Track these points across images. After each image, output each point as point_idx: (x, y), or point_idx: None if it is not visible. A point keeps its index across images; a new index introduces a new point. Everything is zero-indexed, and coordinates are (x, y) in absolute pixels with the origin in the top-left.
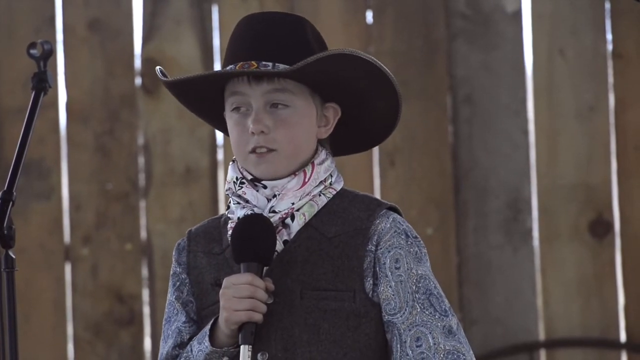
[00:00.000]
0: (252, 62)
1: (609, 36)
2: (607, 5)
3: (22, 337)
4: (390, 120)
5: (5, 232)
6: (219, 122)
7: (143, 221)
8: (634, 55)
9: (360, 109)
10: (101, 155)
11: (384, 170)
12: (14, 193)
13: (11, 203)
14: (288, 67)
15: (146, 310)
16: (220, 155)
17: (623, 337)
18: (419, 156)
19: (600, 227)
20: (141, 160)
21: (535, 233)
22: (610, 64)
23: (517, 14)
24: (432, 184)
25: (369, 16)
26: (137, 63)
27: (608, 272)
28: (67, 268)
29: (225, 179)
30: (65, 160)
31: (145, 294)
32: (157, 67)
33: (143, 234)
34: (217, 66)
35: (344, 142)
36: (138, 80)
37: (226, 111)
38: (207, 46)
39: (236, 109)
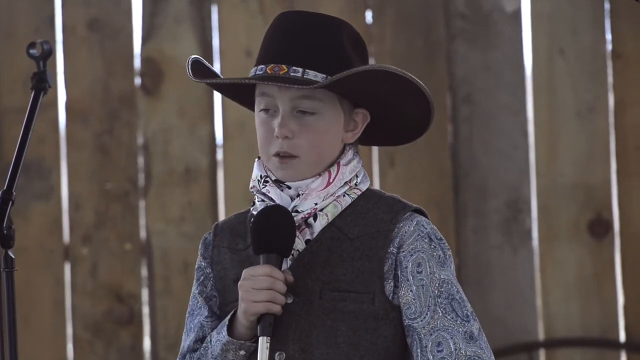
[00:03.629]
0: (283, 65)
1: (609, 36)
2: (607, 5)
3: (22, 336)
4: (419, 129)
5: (5, 231)
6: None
7: (142, 221)
8: (634, 55)
9: (391, 116)
10: (101, 155)
11: (383, 170)
12: (14, 193)
13: (11, 203)
14: (318, 73)
15: (145, 310)
16: (219, 155)
17: (622, 336)
18: (418, 156)
19: (600, 227)
20: (141, 160)
21: (535, 233)
22: (609, 64)
23: (517, 14)
24: (432, 184)
25: (369, 16)
26: (137, 63)
27: (607, 272)
28: (67, 268)
29: (226, 176)
30: (65, 159)
31: (145, 294)
32: (192, 57)
33: (142, 233)
34: (217, 66)
35: (370, 136)
36: (138, 80)
37: (255, 109)
38: (207, 46)
39: (264, 110)
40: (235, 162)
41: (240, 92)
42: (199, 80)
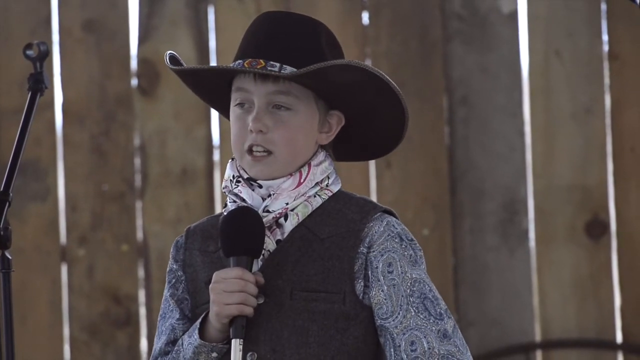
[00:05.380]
0: (260, 60)
1: (605, 37)
2: (603, 7)
3: (19, 338)
4: (395, 136)
5: (2, 233)
6: (229, 113)
7: (139, 222)
8: (630, 56)
9: (366, 120)
10: (97, 156)
11: (380, 172)
12: (10, 194)
13: (7, 204)
14: (294, 70)
15: (142, 311)
16: (216, 156)
17: (619, 337)
18: (415, 157)
19: (596, 228)
20: (137, 161)
21: (532, 234)
22: (606, 65)
23: (513, 16)
24: (428, 185)
25: (365, 17)
26: (133, 64)
27: (604, 273)
28: (63, 269)
29: (223, 177)
30: (62, 161)
31: (142, 295)
32: (168, 52)
33: (139, 234)
34: None
35: (347, 149)
36: (134, 81)
37: (231, 105)
38: (203, 47)
39: (239, 104)
40: None
41: (218, 93)
42: (176, 67)
